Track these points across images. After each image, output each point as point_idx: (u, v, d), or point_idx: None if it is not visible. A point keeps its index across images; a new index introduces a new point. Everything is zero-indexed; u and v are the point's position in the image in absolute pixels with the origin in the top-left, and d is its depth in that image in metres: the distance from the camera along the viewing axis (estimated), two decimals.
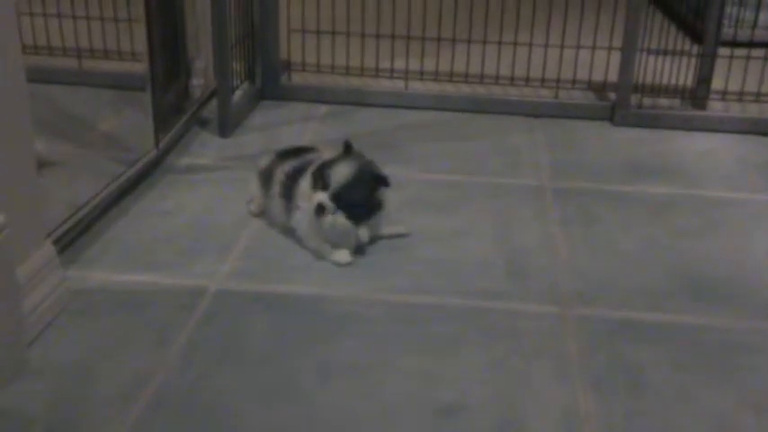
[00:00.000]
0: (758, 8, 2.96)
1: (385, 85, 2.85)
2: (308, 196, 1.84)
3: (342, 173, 1.80)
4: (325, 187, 1.80)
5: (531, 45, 2.75)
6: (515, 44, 2.76)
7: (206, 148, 2.44)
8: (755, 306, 1.76)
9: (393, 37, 2.79)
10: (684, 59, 2.68)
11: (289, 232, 1.93)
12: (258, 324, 1.65)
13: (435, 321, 1.68)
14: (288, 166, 1.93)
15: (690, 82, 2.71)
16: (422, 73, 2.83)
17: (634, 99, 2.69)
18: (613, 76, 2.70)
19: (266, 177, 1.97)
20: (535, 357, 1.58)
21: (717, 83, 2.71)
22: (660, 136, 2.63)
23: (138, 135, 2.27)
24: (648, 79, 2.68)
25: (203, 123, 2.58)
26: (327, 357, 1.56)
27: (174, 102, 2.47)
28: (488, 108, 2.78)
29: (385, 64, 2.84)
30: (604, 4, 2.74)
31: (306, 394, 1.46)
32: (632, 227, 2.06)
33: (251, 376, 1.50)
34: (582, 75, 2.77)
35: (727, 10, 2.79)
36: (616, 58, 2.66)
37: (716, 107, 2.73)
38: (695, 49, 2.73)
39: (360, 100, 2.81)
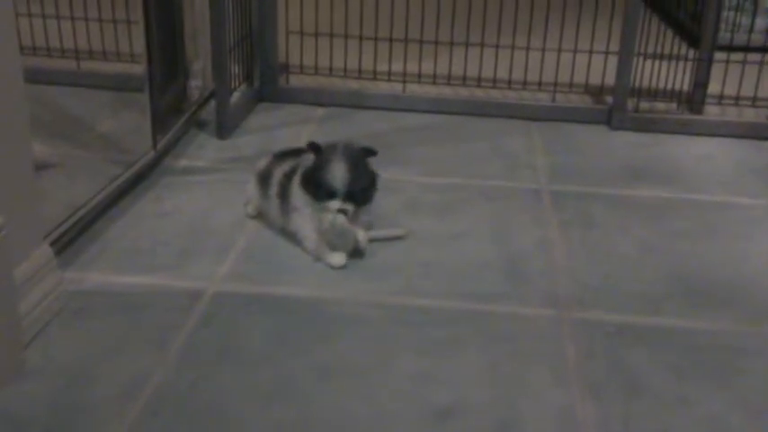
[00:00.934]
0: (754, 13, 2.97)
1: (383, 87, 2.85)
2: (304, 201, 1.83)
3: (340, 171, 1.79)
4: (331, 194, 1.79)
5: (528, 49, 2.76)
6: (513, 48, 2.76)
7: (204, 150, 2.44)
8: (753, 310, 1.77)
9: (391, 40, 2.79)
10: (681, 64, 2.68)
11: (286, 234, 1.94)
12: (256, 326, 1.65)
13: (433, 324, 1.68)
14: (286, 167, 1.93)
15: (686, 86, 2.72)
16: (420, 76, 2.84)
17: (631, 103, 2.70)
18: (610, 80, 2.71)
19: (264, 179, 1.97)
20: (533, 360, 1.58)
21: (713, 87, 2.72)
22: (657, 140, 2.64)
23: (135, 136, 2.27)
24: (645, 83, 2.69)
25: (201, 125, 2.58)
26: (325, 359, 1.56)
27: (171, 103, 2.47)
28: (486, 111, 2.78)
29: (383, 67, 2.84)
30: (601, 9, 2.75)
31: (304, 396, 1.46)
32: (629, 230, 2.07)
33: (249, 378, 1.50)
34: (579, 78, 2.77)
35: (724, 14, 2.80)
36: (613, 62, 2.67)
37: (712, 111, 2.73)
38: (692, 53, 2.74)
39: (357, 102, 2.81)
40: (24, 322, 1.53)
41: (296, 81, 2.88)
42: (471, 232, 2.03)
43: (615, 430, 1.42)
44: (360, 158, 1.83)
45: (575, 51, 2.74)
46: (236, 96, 2.62)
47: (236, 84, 2.64)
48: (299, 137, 2.55)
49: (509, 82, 2.81)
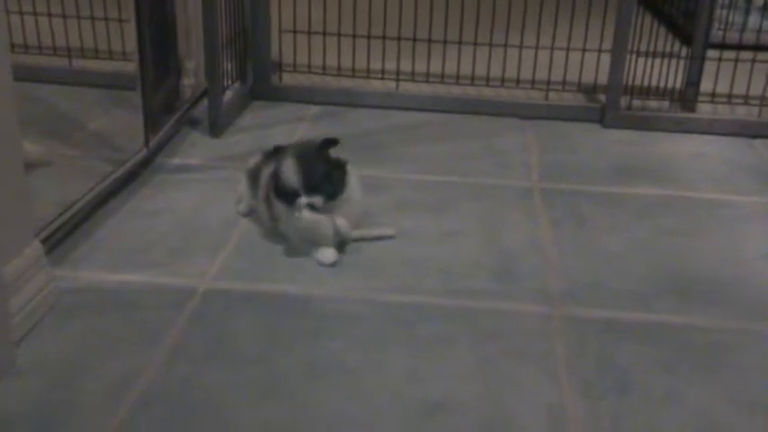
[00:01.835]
0: (747, 11, 2.98)
1: (376, 86, 2.85)
2: (282, 208, 1.84)
3: (291, 169, 1.78)
4: (294, 193, 1.79)
5: (521, 47, 2.76)
6: (506, 46, 2.76)
7: (196, 148, 2.44)
8: (742, 306, 1.77)
9: (384, 38, 2.79)
10: (674, 62, 2.69)
11: (277, 233, 1.93)
12: (247, 323, 1.65)
13: (424, 321, 1.68)
14: (271, 168, 1.92)
15: (679, 84, 2.73)
16: (413, 74, 2.84)
17: (624, 101, 2.70)
18: (603, 78, 2.71)
19: (254, 178, 1.97)
20: (523, 357, 1.58)
21: (706, 85, 2.73)
22: (649, 138, 2.65)
23: (127, 135, 2.27)
24: (638, 81, 2.69)
25: (194, 123, 2.58)
26: (316, 356, 1.56)
27: (164, 101, 2.47)
28: (479, 109, 2.79)
29: (376, 65, 2.84)
30: (594, 7, 2.75)
31: (295, 393, 1.47)
32: (621, 228, 2.07)
33: (239, 375, 1.50)
34: (572, 77, 2.78)
35: (717, 13, 2.80)
36: (606, 60, 2.68)
37: (705, 109, 2.74)
38: (684, 51, 2.74)
39: (351, 101, 2.82)
40: (15, 320, 1.53)
41: (289, 79, 2.88)
42: (463, 230, 2.04)
43: (605, 427, 1.42)
44: (310, 151, 1.82)
45: (567, 49, 2.74)
46: (228, 95, 2.62)
47: (229, 82, 2.64)
48: (292, 135, 2.55)
49: (502, 80, 2.81)
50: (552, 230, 2.05)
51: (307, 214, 1.79)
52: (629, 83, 2.68)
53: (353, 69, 2.86)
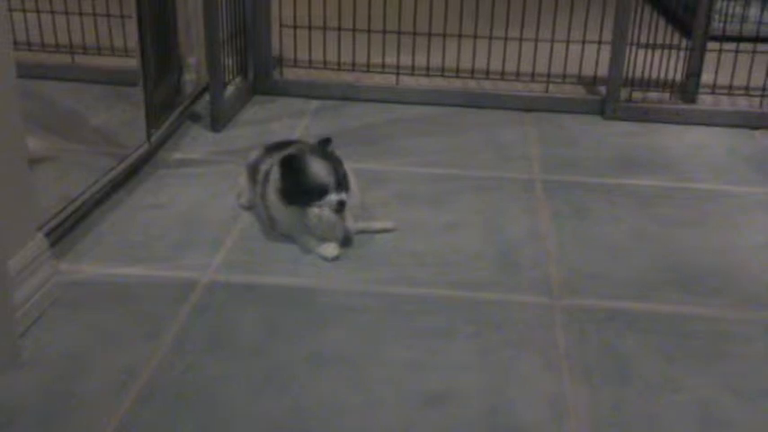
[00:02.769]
0: (747, 3, 2.98)
1: (376, 80, 2.86)
2: (285, 212, 1.86)
3: (321, 167, 1.81)
4: (322, 192, 1.80)
5: (521, 40, 2.76)
6: (506, 39, 2.77)
7: (198, 143, 2.45)
8: (742, 296, 1.78)
9: (384, 32, 2.80)
10: (674, 53, 2.69)
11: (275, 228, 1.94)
12: (249, 316, 1.66)
13: (425, 312, 1.69)
14: (267, 164, 1.92)
15: (679, 76, 2.73)
16: (413, 68, 2.84)
17: (624, 93, 2.70)
18: (603, 71, 2.71)
19: (253, 172, 1.98)
20: (524, 347, 1.59)
21: (706, 77, 2.73)
22: (650, 129, 2.65)
23: (130, 130, 2.28)
24: (638, 73, 2.69)
25: (195, 118, 2.59)
26: (317, 348, 1.57)
27: (165, 97, 2.47)
28: (479, 102, 2.79)
29: (376, 59, 2.85)
30: None
31: (296, 384, 1.48)
32: (622, 219, 2.08)
33: (241, 367, 1.51)
34: (572, 69, 2.78)
35: (717, 4, 2.80)
36: (606, 52, 2.68)
37: (705, 101, 2.74)
38: (684, 43, 2.74)
39: (351, 95, 2.82)
40: (18, 313, 1.54)
41: (289, 74, 2.88)
42: (464, 222, 2.04)
43: (606, 415, 1.43)
44: (325, 149, 1.87)
45: (567, 42, 2.74)
46: (229, 90, 2.63)
47: (230, 77, 2.65)
48: (292, 129, 2.56)
49: (502, 73, 2.81)
50: (553, 222, 2.06)
51: (326, 212, 1.81)
52: (630, 75, 2.68)
53: (354, 64, 2.86)
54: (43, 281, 1.63)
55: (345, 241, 1.89)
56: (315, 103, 2.79)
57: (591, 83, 2.80)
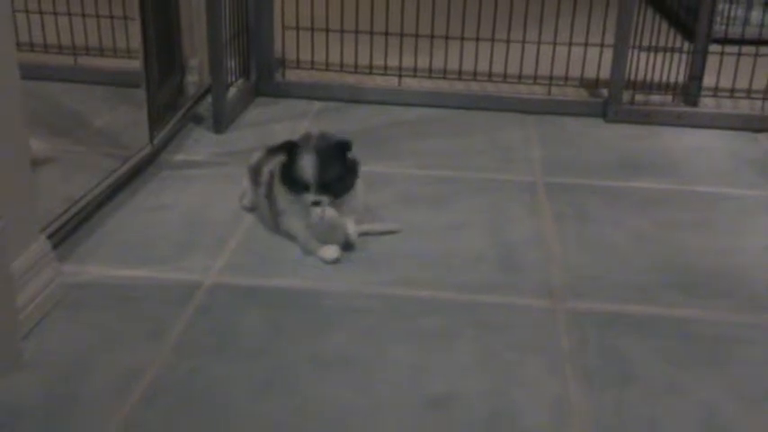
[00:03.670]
0: (749, 5, 2.98)
1: (379, 81, 2.86)
2: (288, 201, 1.85)
3: (310, 164, 1.79)
4: (305, 186, 1.80)
5: (523, 42, 2.77)
6: (508, 41, 2.77)
7: (201, 145, 2.45)
8: (746, 299, 1.78)
9: (387, 34, 2.80)
10: (676, 56, 2.69)
11: (279, 230, 1.94)
12: (252, 318, 1.66)
13: (428, 315, 1.69)
14: (272, 164, 1.93)
15: (681, 78, 2.73)
16: (415, 70, 2.85)
17: (626, 95, 2.71)
18: (605, 73, 2.72)
19: (255, 173, 1.98)
20: (526, 350, 1.59)
21: (708, 79, 2.73)
22: (652, 132, 2.65)
23: (133, 131, 2.28)
24: (640, 76, 2.70)
25: (198, 120, 2.59)
26: (321, 350, 1.57)
27: (168, 98, 2.48)
28: (481, 105, 2.79)
29: (379, 61, 2.85)
30: (596, 1, 2.76)
31: (299, 386, 1.48)
32: (624, 221, 2.08)
33: (244, 369, 1.51)
34: (574, 71, 2.78)
35: (719, 7, 2.81)
36: (608, 54, 2.68)
37: (708, 103, 2.75)
38: (687, 45, 2.74)
39: (354, 97, 2.83)
40: (22, 314, 1.54)
41: (292, 76, 2.89)
42: (466, 224, 2.05)
43: (609, 419, 1.43)
44: (332, 150, 1.83)
45: (570, 44, 2.75)
46: (232, 91, 2.63)
47: (233, 79, 2.65)
48: (295, 131, 2.56)
49: (505, 75, 2.82)
50: (555, 224, 2.06)
51: (329, 212, 1.81)
52: (632, 77, 2.69)
53: (356, 65, 2.86)
54: (46, 283, 1.63)
55: (346, 246, 1.89)
56: (317, 105, 2.79)
57: (593, 85, 2.81)
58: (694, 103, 2.74)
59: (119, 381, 1.47)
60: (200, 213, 2.05)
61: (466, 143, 2.53)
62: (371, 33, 2.80)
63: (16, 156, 1.57)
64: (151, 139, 2.26)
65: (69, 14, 2.82)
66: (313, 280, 1.80)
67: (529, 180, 2.29)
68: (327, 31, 2.82)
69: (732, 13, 3.01)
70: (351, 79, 2.87)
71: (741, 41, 2.73)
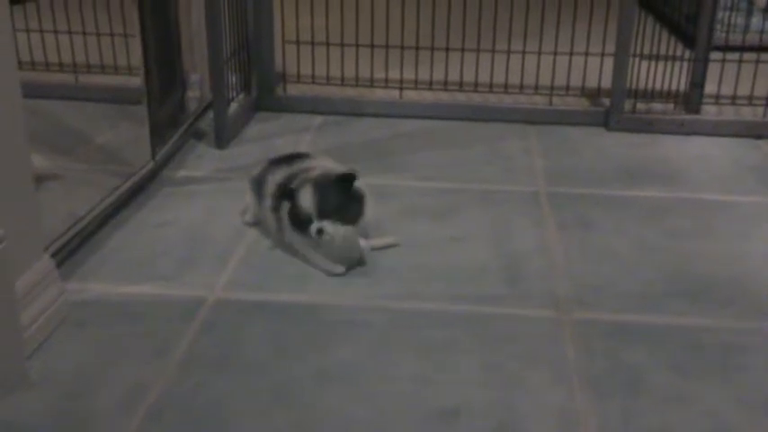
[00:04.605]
0: (749, 13, 2.98)
1: (380, 94, 2.86)
2: (297, 238, 1.85)
3: (306, 195, 1.79)
4: (309, 219, 1.79)
5: (524, 52, 2.77)
6: (509, 52, 2.77)
7: (202, 160, 2.45)
8: (752, 307, 1.77)
9: (387, 47, 2.81)
10: (677, 64, 2.69)
11: (284, 244, 1.94)
12: (256, 332, 1.66)
13: (432, 327, 1.69)
14: (278, 176, 1.92)
15: (683, 86, 2.73)
16: (416, 82, 2.85)
17: (628, 104, 2.71)
18: (607, 82, 2.72)
19: (258, 186, 1.98)
20: (533, 361, 1.59)
21: (710, 87, 2.73)
22: (654, 140, 2.65)
23: (134, 148, 2.28)
24: (642, 84, 2.70)
25: (199, 135, 2.60)
26: (326, 364, 1.57)
27: (170, 115, 2.48)
28: (483, 116, 2.79)
29: (380, 74, 2.86)
30: (596, 10, 2.76)
31: (305, 401, 1.47)
32: (628, 230, 2.08)
33: (250, 384, 1.51)
34: (575, 81, 2.78)
35: (719, 15, 2.81)
36: (609, 63, 2.68)
37: (709, 111, 2.74)
38: (687, 53, 2.75)
39: (355, 110, 2.83)
40: (26, 333, 1.54)
41: (293, 90, 2.89)
42: (470, 235, 2.04)
43: (615, 428, 1.42)
44: (332, 182, 1.81)
45: (570, 54, 2.75)
46: (233, 106, 2.63)
47: (234, 94, 2.66)
48: (297, 145, 2.56)
49: (506, 86, 2.82)
50: (559, 234, 2.05)
51: (348, 231, 1.80)
52: (633, 86, 2.69)
53: (357, 79, 2.87)
54: (51, 301, 1.63)
55: (360, 262, 1.88)
56: (319, 119, 2.80)
57: (594, 95, 2.81)
58: (696, 111, 2.73)
59: (124, 398, 1.47)
60: (202, 229, 2.05)
61: (468, 154, 2.53)
62: (372, 46, 2.81)
63: (19, 174, 1.57)
64: (153, 155, 2.26)
65: (70, 33, 2.84)
66: (316, 294, 1.79)
67: (532, 190, 2.29)
68: (328, 44, 2.83)
69: (732, 21, 3.01)
70: (352, 92, 2.88)
71: (742, 48, 2.73)
